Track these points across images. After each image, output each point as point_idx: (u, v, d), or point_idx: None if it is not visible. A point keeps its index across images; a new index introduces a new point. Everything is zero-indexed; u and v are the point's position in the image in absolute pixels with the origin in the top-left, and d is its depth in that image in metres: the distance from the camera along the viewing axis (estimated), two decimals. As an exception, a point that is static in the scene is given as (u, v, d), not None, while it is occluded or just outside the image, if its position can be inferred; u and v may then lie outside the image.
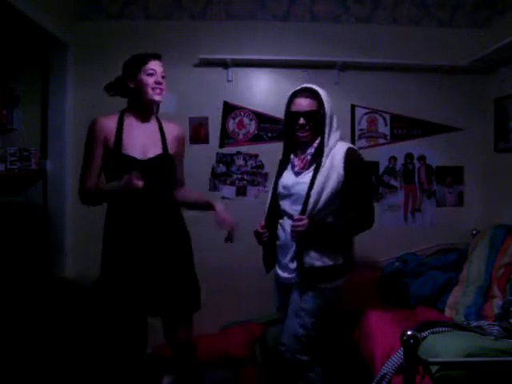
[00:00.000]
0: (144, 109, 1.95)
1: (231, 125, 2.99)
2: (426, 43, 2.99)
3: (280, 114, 3.01)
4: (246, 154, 3.00)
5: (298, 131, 1.88)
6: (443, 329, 1.77)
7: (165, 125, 2.00)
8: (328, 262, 1.82)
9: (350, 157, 1.83)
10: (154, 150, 1.88)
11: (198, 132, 2.96)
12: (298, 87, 1.93)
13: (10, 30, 2.70)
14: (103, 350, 2.58)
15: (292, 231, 1.79)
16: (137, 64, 1.89)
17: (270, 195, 2.02)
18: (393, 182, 3.05)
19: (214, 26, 2.94)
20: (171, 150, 1.93)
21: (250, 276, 2.73)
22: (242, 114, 3.00)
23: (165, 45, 2.92)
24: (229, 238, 1.85)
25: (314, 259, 1.80)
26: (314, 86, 1.90)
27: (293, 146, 1.98)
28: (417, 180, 3.06)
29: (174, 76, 2.92)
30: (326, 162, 1.82)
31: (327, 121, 1.86)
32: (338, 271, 1.85)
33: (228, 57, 2.87)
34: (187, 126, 2.94)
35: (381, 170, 3.04)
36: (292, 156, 1.96)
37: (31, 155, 2.66)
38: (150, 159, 1.85)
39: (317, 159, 1.85)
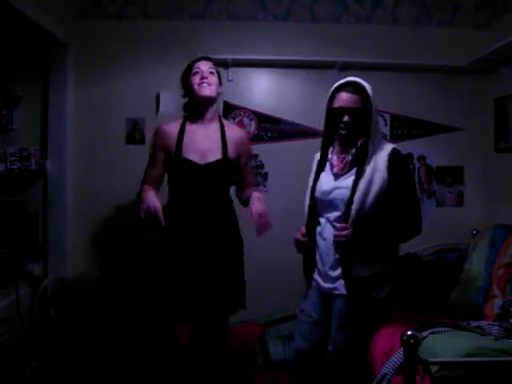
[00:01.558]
0: (200, 109, 1.95)
1: (231, 125, 2.99)
2: (426, 43, 2.99)
3: (280, 113, 3.05)
4: (246, 153, 3.00)
5: (342, 129, 1.72)
6: (443, 329, 1.77)
7: (227, 128, 1.98)
8: (375, 270, 1.70)
9: (395, 159, 1.69)
10: (214, 155, 1.89)
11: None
12: (343, 80, 1.75)
13: (10, 30, 2.70)
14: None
15: (334, 241, 1.69)
16: (186, 71, 1.96)
17: (307, 199, 1.87)
18: (393, 182, 3.04)
19: (214, 26, 2.95)
20: (232, 154, 1.93)
21: (249, 276, 2.73)
22: (242, 114, 3.00)
23: (165, 45, 2.93)
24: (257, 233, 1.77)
25: (360, 268, 1.69)
26: (361, 81, 1.73)
27: (332, 143, 1.84)
28: (417, 180, 3.06)
29: (173, 76, 2.92)
30: (370, 165, 1.68)
31: (373, 119, 1.70)
32: (385, 278, 1.74)
33: (228, 57, 2.87)
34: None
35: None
36: (330, 155, 1.82)
37: (31, 155, 2.65)
38: (208, 164, 1.88)
39: (359, 161, 1.71)
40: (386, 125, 3.05)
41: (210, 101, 1.93)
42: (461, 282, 2.38)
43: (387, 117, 3.04)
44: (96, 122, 2.92)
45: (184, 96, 2.01)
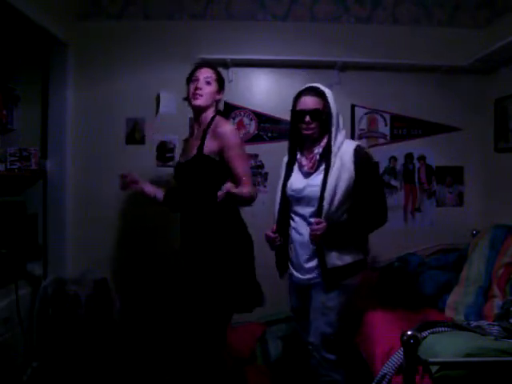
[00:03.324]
0: (195, 115, 2.05)
1: (231, 125, 2.99)
2: (426, 43, 2.99)
3: (280, 113, 3.05)
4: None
5: (304, 129, 1.88)
6: (443, 329, 1.77)
7: (213, 124, 1.96)
8: (349, 259, 1.84)
9: (359, 154, 1.84)
10: (192, 152, 1.94)
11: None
12: (304, 87, 1.93)
13: (10, 30, 2.70)
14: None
15: (311, 235, 1.79)
16: (188, 76, 2.04)
17: (278, 198, 2.00)
18: (393, 182, 3.05)
19: (214, 26, 2.94)
20: (209, 148, 1.90)
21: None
22: (242, 114, 3.00)
23: (165, 45, 2.93)
24: None
25: (336, 259, 1.82)
26: (320, 86, 1.90)
27: (299, 145, 1.98)
28: (417, 180, 3.06)
29: (174, 76, 2.93)
30: (336, 162, 1.82)
31: (333, 120, 1.87)
32: (358, 267, 1.88)
33: (228, 57, 2.87)
34: (187, 126, 2.94)
35: (381, 170, 3.03)
36: (299, 155, 1.96)
37: (31, 155, 2.65)
38: (187, 161, 1.96)
39: (325, 159, 1.85)
40: (386, 125, 3.05)
41: (201, 110, 2.00)
42: (461, 282, 2.38)
43: (387, 117, 3.04)
44: (96, 122, 2.92)
45: (185, 99, 2.06)
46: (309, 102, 1.87)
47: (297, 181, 1.93)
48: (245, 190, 1.84)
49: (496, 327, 1.79)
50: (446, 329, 1.78)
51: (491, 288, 2.20)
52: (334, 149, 1.84)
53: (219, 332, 1.97)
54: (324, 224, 1.77)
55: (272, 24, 2.98)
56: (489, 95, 2.97)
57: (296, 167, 1.97)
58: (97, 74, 2.93)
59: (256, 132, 3.00)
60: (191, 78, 2.01)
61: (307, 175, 1.90)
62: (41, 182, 2.79)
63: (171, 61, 2.92)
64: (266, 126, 3.02)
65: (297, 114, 1.90)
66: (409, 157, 3.06)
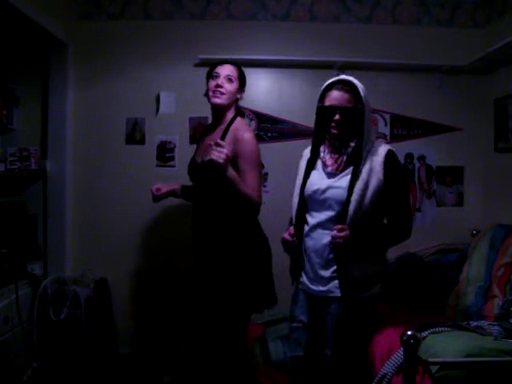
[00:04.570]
0: (214, 113, 2.00)
1: (231, 125, 2.98)
2: (426, 43, 2.99)
3: (280, 113, 3.05)
4: (246, 153, 2.99)
5: (333, 128, 1.68)
6: (443, 329, 1.77)
7: (232, 127, 1.92)
8: (369, 270, 1.70)
9: (391, 160, 1.68)
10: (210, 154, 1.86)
11: (198, 132, 2.96)
12: (334, 79, 1.73)
13: (10, 30, 2.70)
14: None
15: (332, 243, 1.64)
16: (208, 71, 1.98)
17: (296, 198, 1.82)
18: (393, 182, 3.04)
19: (214, 26, 2.95)
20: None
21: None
22: (242, 113, 3.00)
23: (165, 45, 2.93)
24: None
25: (356, 270, 1.67)
26: (353, 79, 1.72)
27: (322, 142, 1.80)
28: (417, 180, 3.06)
29: (174, 76, 2.94)
30: (366, 165, 1.66)
31: (366, 119, 1.68)
32: (377, 278, 1.75)
33: (228, 57, 2.86)
34: (187, 126, 2.94)
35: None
36: (322, 154, 1.77)
37: (31, 155, 2.66)
38: (203, 162, 1.90)
39: (354, 160, 1.69)
40: (386, 125, 3.05)
41: (221, 109, 1.95)
42: (461, 282, 2.38)
43: (387, 117, 3.04)
44: (96, 122, 2.92)
45: (205, 95, 2.01)
46: (340, 97, 1.66)
47: (318, 181, 1.76)
48: (247, 188, 1.84)
49: (496, 327, 1.79)
50: (446, 329, 1.78)
51: (491, 288, 2.20)
52: (365, 152, 1.68)
53: (240, 333, 1.97)
54: (348, 231, 1.61)
55: (272, 24, 2.98)
56: (488, 95, 2.97)
57: (318, 165, 1.79)
58: (97, 74, 2.93)
59: (256, 132, 3.00)
60: (211, 74, 1.94)
61: (331, 176, 1.73)
62: (41, 182, 2.79)
63: (171, 61, 2.92)
64: (266, 126, 3.01)
65: (325, 110, 1.69)
66: (409, 157, 3.06)
